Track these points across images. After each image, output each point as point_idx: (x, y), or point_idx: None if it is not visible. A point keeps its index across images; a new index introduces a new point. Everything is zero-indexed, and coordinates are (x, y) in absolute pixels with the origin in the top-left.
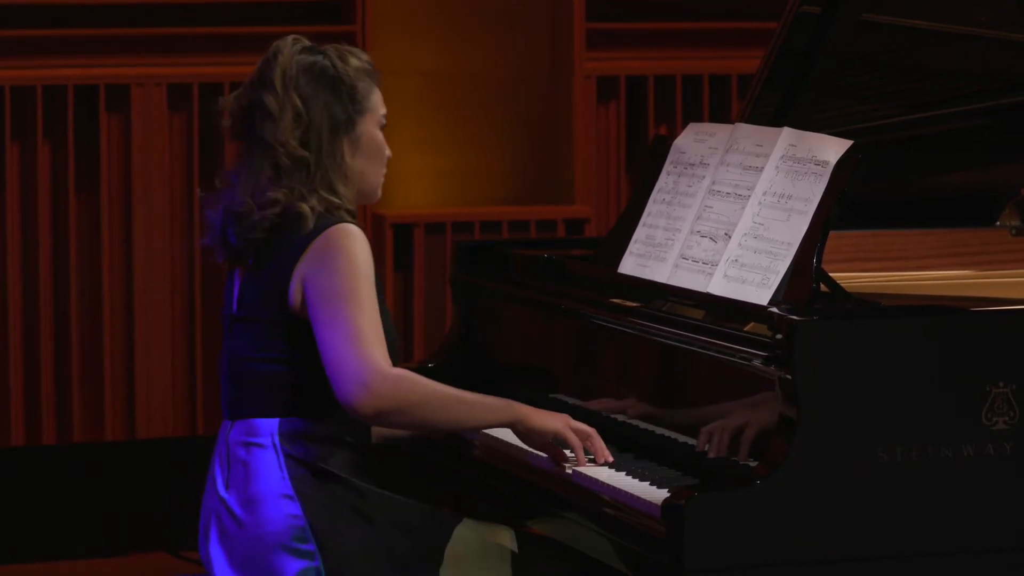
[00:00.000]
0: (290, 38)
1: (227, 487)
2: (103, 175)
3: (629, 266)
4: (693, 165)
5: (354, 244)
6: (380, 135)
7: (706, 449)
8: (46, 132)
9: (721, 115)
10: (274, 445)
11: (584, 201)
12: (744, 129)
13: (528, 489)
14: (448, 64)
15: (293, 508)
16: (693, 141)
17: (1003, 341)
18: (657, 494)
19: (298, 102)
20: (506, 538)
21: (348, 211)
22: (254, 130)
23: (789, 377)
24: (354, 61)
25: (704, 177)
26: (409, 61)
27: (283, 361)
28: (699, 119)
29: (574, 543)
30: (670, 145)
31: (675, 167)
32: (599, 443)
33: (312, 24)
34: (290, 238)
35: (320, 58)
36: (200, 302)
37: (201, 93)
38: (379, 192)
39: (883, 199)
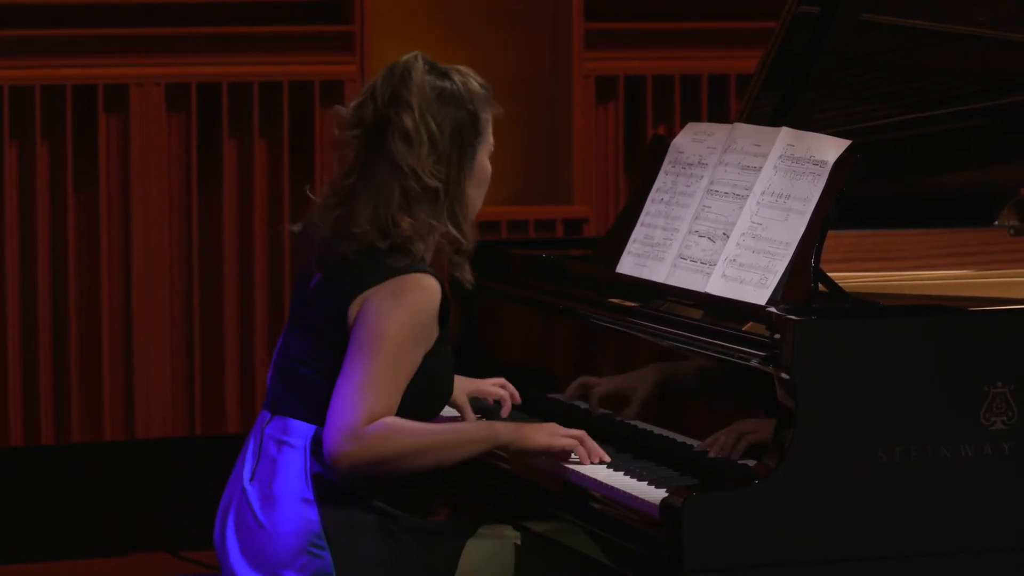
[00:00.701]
0: (416, 56)
1: (252, 478)
2: (102, 175)
3: (628, 266)
4: (691, 165)
5: (417, 299)
6: (488, 163)
7: (706, 450)
8: (45, 132)
9: (720, 115)
10: (305, 448)
11: (583, 201)
12: (742, 129)
13: (528, 489)
14: (447, 64)
15: (311, 513)
16: (691, 141)
17: (1002, 341)
18: (656, 494)
19: (434, 127)
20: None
21: (463, 250)
22: (383, 149)
23: (787, 377)
24: (476, 87)
25: (702, 177)
26: None
27: (330, 374)
28: (698, 119)
29: (574, 544)
30: (668, 145)
31: (673, 167)
32: (591, 443)
33: (311, 24)
34: (376, 264)
35: (449, 84)
36: (199, 302)
37: (199, 93)
38: (474, 218)
39: (882, 199)
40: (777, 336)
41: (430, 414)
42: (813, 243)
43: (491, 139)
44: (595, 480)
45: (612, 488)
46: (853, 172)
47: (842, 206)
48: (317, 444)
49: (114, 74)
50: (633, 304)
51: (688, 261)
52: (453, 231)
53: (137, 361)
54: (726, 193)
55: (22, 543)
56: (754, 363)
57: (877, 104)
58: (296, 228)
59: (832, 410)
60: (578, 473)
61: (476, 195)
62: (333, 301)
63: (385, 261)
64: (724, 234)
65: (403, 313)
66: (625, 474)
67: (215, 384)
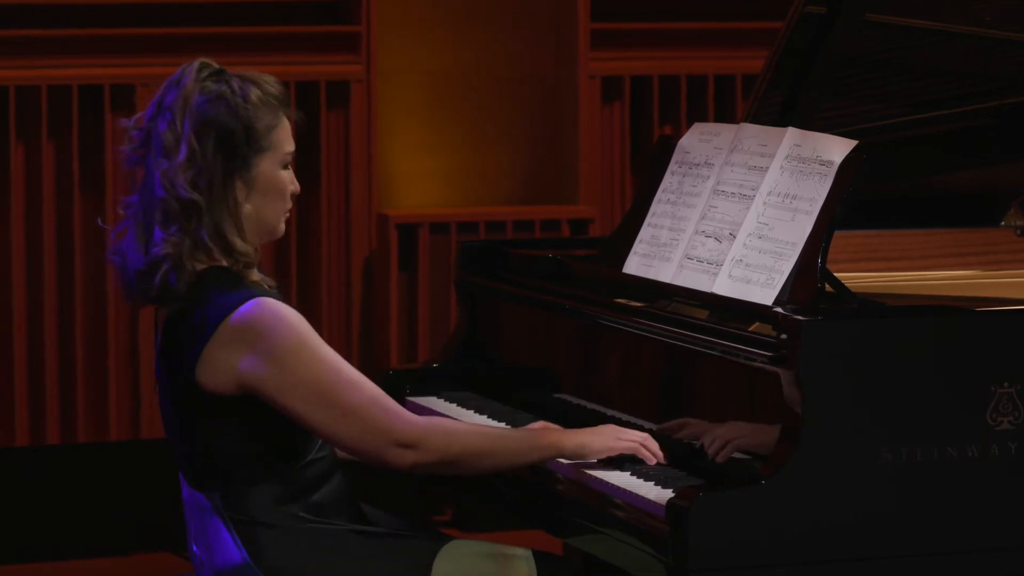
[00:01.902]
0: (197, 62)
1: (196, 544)
2: (108, 175)
3: (634, 266)
4: (698, 165)
5: (277, 317)
6: (282, 174)
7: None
8: (51, 132)
9: (726, 115)
10: (223, 517)
11: (588, 201)
12: (749, 129)
13: (532, 490)
14: (453, 64)
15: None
16: (698, 141)
17: (1008, 341)
18: (662, 494)
19: (193, 138)
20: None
21: (245, 264)
22: (151, 161)
23: (793, 377)
24: (255, 93)
25: (709, 177)
26: (414, 61)
27: (204, 437)
28: (704, 119)
29: (579, 544)
30: (675, 145)
31: (680, 167)
32: (653, 445)
33: (317, 24)
34: (193, 311)
35: (224, 88)
36: None
37: None
38: (282, 228)
39: (888, 199)
40: (783, 336)
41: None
42: (819, 243)
43: (284, 148)
44: (601, 480)
45: (618, 488)
46: (860, 172)
47: (848, 206)
48: (231, 510)
49: (120, 74)
50: (639, 304)
51: (694, 261)
52: (219, 253)
53: (143, 361)
54: (732, 193)
55: (28, 543)
56: (760, 363)
57: (883, 104)
58: (109, 254)
59: (838, 410)
60: (584, 473)
61: (267, 208)
62: (176, 373)
63: (195, 304)
64: (730, 234)
65: (292, 350)
66: (631, 474)
67: None
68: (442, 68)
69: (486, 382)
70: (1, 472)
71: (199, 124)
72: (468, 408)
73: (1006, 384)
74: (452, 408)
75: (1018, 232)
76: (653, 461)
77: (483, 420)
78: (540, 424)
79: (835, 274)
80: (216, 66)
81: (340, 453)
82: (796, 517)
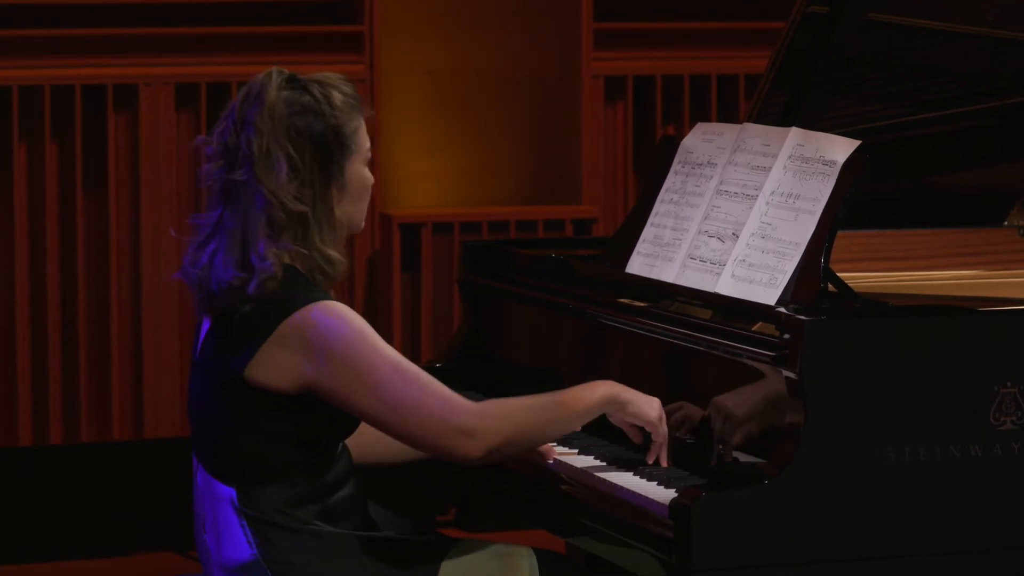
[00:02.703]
0: (273, 72)
1: (206, 531)
2: (111, 175)
3: (637, 266)
4: (701, 165)
5: (340, 317)
6: (366, 172)
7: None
8: (54, 132)
9: (729, 115)
10: (237, 511)
11: (592, 201)
12: (752, 129)
13: (536, 490)
14: (456, 64)
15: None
16: (701, 141)
17: (1011, 341)
18: (665, 494)
19: (290, 148)
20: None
21: (328, 274)
22: (243, 178)
23: (797, 377)
24: (338, 96)
25: (712, 177)
26: (417, 61)
27: (237, 430)
28: (707, 119)
29: (583, 544)
30: (678, 145)
31: (683, 167)
32: (666, 451)
33: (320, 24)
34: (259, 307)
35: (307, 98)
36: None
37: (209, 93)
38: (363, 224)
39: (891, 199)
40: (787, 336)
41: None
42: (823, 243)
43: (365, 146)
44: (605, 480)
45: (622, 488)
46: (863, 172)
47: (851, 206)
48: (246, 506)
49: (123, 74)
50: (642, 304)
51: (697, 261)
52: (320, 256)
53: (146, 361)
54: (736, 193)
55: (30, 543)
56: (763, 363)
57: (886, 103)
58: (174, 276)
59: (841, 410)
60: (587, 472)
61: (355, 208)
62: (228, 352)
63: (264, 302)
64: (734, 234)
65: (353, 348)
66: (635, 474)
67: None
68: (445, 68)
69: (489, 382)
70: (4, 472)
71: (293, 135)
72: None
73: (1009, 384)
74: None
75: (1021, 232)
76: (664, 462)
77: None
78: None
79: (838, 274)
80: (287, 72)
81: (373, 453)
82: (799, 517)
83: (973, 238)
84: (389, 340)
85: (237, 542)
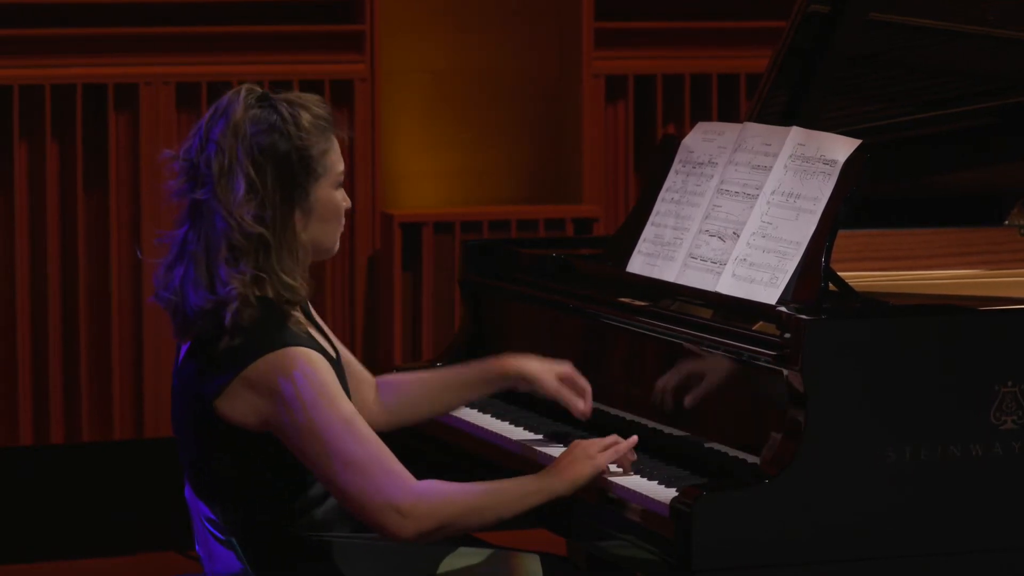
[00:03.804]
0: (243, 89)
1: (198, 544)
2: (111, 174)
3: (638, 265)
4: (702, 164)
5: (305, 368)
6: (336, 195)
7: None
8: (55, 131)
9: (730, 114)
10: (221, 527)
11: (593, 200)
12: (753, 128)
13: None
14: (457, 63)
15: None
16: (702, 140)
17: (1011, 340)
18: (665, 493)
19: (251, 170)
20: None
21: (293, 300)
22: (200, 196)
23: (797, 376)
24: (306, 117)
25: (713, 176)
26: (418, 60)
27: (211, 456)
28: (708, 118)
29: (583, 543)
30: (679, 144)
31: (684, 166)
32: (622, 445)
33: (321, 23)
34: (232, 343)
35: (275, 117)
36: None
37: (209, 92)
38: (336, 247)
39: (892, 198)
40: (787, 335)
41: None
42: (823, 242)
43: (337, 169)
44: (606, 480)
45: (622, 487)
46: (863, 171)
47: (852, 205)
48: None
49: (124, 73)
50: (643, 303)
51: (698, 260)
52: (278, 282)
53: (147, 360)
54: (736, 192)
55: (31, 542)
56: (764, 362)
57: (887, 103)
58: (150, 300)
59: (842, 409)
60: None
61: (322, 232)
62: (195, 397)
63: (230, 337)
64: (734, 233)
65: (312, 397)
66: (635, 474)
67: None
68: (446, 67)
69: None
70: (5, 471)
71: (255, 155)
72: (472, 407)
73: (1010, 383)
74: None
75: (1022, 231)
76: (633, 456)
77: (486, 419)
78: (532, 476)
79: (839, 273)
80: (259, 90)
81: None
82: (800, 516)
83: (973, 237)
84: (390, 339)
85: (224, 556)
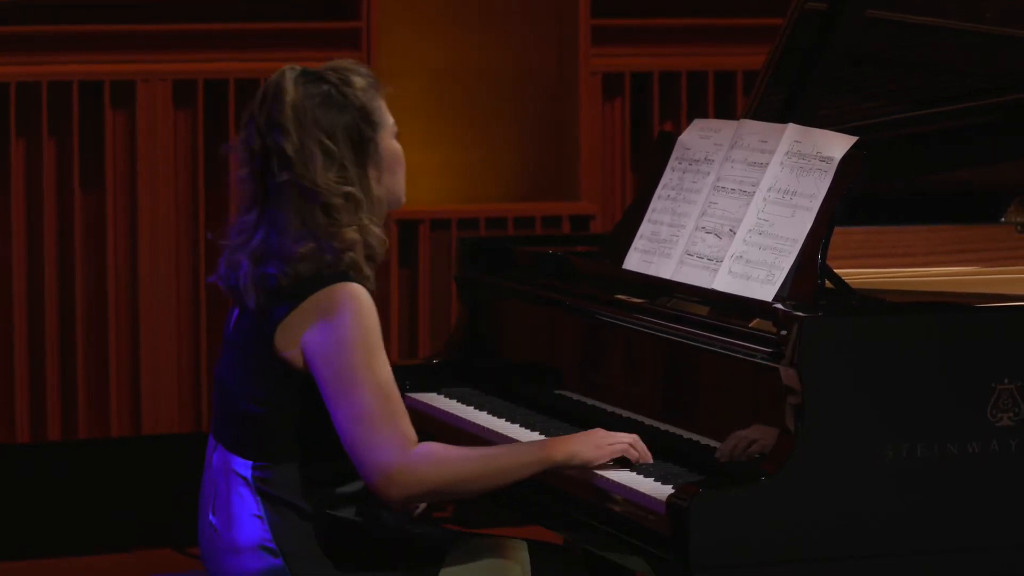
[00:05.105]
0: (287, 70)
1: (214, 512)
2: (108, 171)
3: (634, 262)
4: (698, 161)
5: (359, 307)
6: (396, 144)
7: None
8: (51, 128)
9: (726, 111)
10: (253, 493)
11: (589, 197)
12: (749, 125)
13: (534, 487)
14: (454, 61)
15: (275, 560)
16: (698, 137)
17: (1008, 338)
18: (662, 491)
19: (325, 140)
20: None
21: (374, 255)
22: (276, 176)
23: (793, 373)
24: (358, 79)
25: (709, 173)
26: (415, 58)
27: (262, 402)
28: (704, 115)
29: (580, 541)
30: (675, 141)
31: (680, 163)
32: (642, 447)
33: (318, 20)
34: (299, 279)
35: (327, 87)
36: (205, 297)
37: (206, 89)
38: (404, 198)
39: (888, 195)
40: (783, 332)
41: None
42: (819, 239)
43: (390, 120)
44: (602, 477)
45: (619, 484)
46: (860, 169)
47: (848, 202)
48: (262, 482)
49: (121, 70)
50: (639, 300)
51: (695, 257)
52: (371, 236)
53: (144, 357)
54: (733, 189)
55: (29, 539)
56: (760, 359)
57: (884, 100)
58: (211, 279)
59: (838, 407)
60: (585, 469)
61: (393, 182)
62: (258, 325)
63: (305, 278)
64: (731, 230)
65: (351, 331)
66: (631, 471)
67: None
68: (443, 64)
69: (487, 378)
70: (2, 469)
71: (322, 125)
72: (468, 404)
73: (1006, 380)
74: (452, 404)
75: (1019, 228)
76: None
77: (483, 416)
78: (534, 442)
79: (835, 270)
80: (300, 67)
81: None
82: (797, 514)
83: (970, 235)
84: (387, 336)
85: (247, 522)
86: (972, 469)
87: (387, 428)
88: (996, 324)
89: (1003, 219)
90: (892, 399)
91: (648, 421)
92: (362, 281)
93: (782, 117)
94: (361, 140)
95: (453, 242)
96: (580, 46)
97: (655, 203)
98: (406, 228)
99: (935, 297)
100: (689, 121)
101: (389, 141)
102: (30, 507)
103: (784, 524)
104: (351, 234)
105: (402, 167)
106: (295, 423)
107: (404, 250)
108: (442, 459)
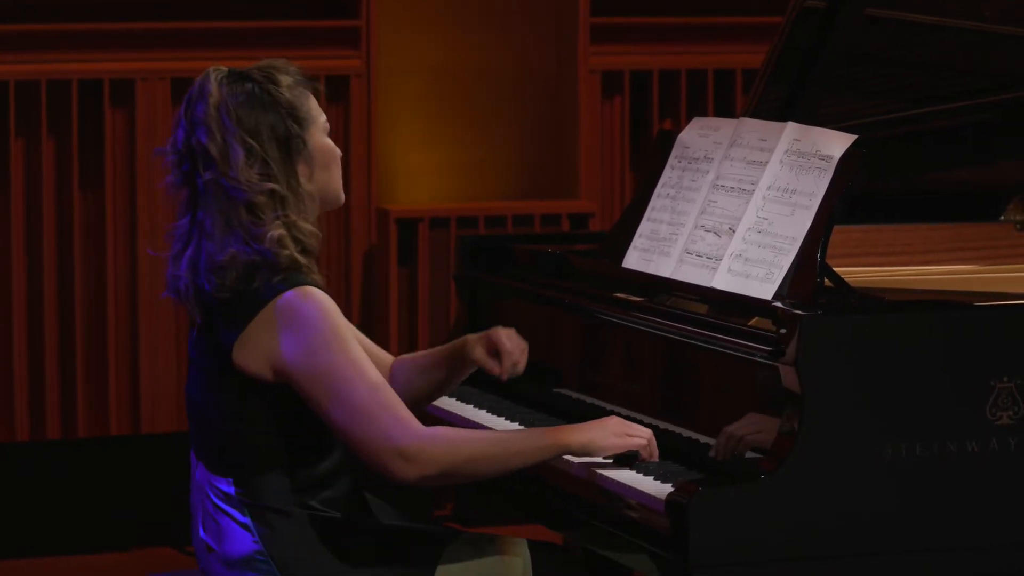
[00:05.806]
0: (212, 71)
1: (204, 529)
2: (107, 169)
3: (633, 261)
4: (697, 160)
5: (320, 308)
6: (328, 141)
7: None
8: (50, 127)
9: (725, 110)
10: (236, 504)
11: (589, 196)
12: (748, 124)
13: (532, 484)
14: (453, 59)
15: (269, 571)
16: (697, 136)
17: (1007, 336)
18: (661, 489)
19: (246, 136)
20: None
21: (308, 249)
22: (201, 177)
23: (793, 372)
24: (284, 78)
25: (708, 172)
26: (414, 56)
27: (234, 420)
28: (703, 114)
29: (579, 538)
30: (674, 140)
31: (679, 161)
32: (655, 445)
33: (317, 19)
34: (248, 289)
35: (251, 85)
36: None
37: None
38: (342, 196)
39: (888, 194)
40: (783, 331)
41: None
42: (819, 238)
43: (321, 118)
44: (601, 475)
45: (618, 483)
46: (859, 167)
47: (848, 201)
48: (245, 496)
49: (120, 68)
50: (639, 299)
51: (694, 256)
52: (297, 231)
53: (143, 355)
54: (732, 188)
55: (28, 538)
56: (760, 358)
57: (883, 99)
58: (164, 295)
59: (837, 405)
60: (584, 467)
61: (327, 177)
62: (215, 340)
63: (251, 288)
64: (730, 229)
65: (321, 336)
66: (631, 469)
67: None
68: (442, 63)
69: (485, 377)
70: (1, 467)
71: (245, 124)
72: (467, 403)
73: (1006, 379)
74: (451, 403)
75: (1018, 227)
76: (655, 459)
77: (482, 415)
78: (550, 428)
79: (834, 269)
80: (225, 68)
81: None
82: (796, 512)
83: (970, 233)
84: (386, 335)
85: (238, 535)
86: (971, 468)
87: (387, 414)
88: (995, 322)
89: (1003, 217)
90: (891, 397)
91: (647, 420)
92: (309, 276)
93: (781, 115)
94: (288, 137)
95: (452, 240)
96: (579, 45)
97: (654, 201)
98: (405, 226)
99: (935, 295)
100: (688, 120)
101: (320, 138)
102: (30, 506)
103: (784, 522)
104: (276, 229)
105: (336, 164)
106: (271, 435)
107: (403, 249)
108: (455, 439)
